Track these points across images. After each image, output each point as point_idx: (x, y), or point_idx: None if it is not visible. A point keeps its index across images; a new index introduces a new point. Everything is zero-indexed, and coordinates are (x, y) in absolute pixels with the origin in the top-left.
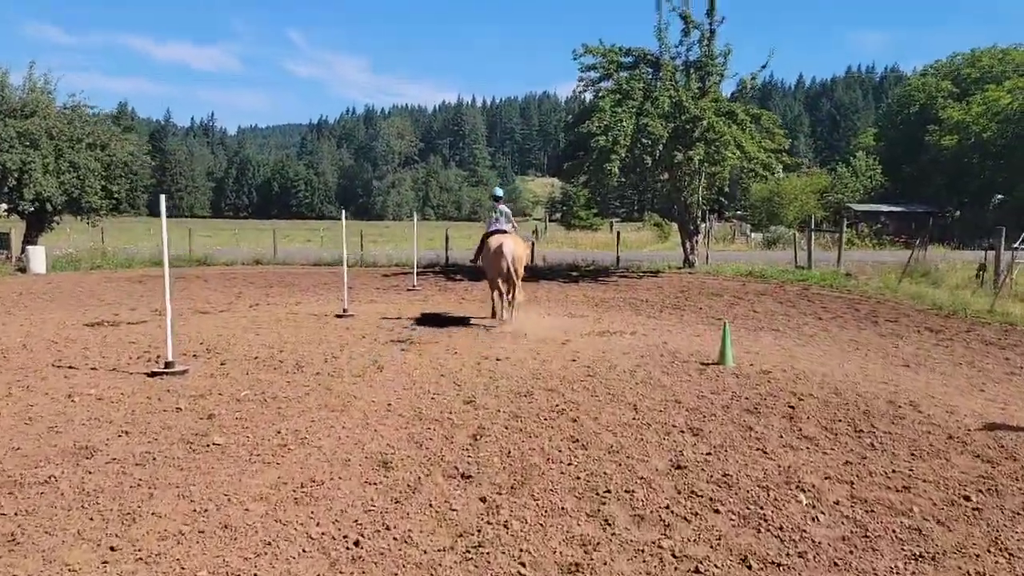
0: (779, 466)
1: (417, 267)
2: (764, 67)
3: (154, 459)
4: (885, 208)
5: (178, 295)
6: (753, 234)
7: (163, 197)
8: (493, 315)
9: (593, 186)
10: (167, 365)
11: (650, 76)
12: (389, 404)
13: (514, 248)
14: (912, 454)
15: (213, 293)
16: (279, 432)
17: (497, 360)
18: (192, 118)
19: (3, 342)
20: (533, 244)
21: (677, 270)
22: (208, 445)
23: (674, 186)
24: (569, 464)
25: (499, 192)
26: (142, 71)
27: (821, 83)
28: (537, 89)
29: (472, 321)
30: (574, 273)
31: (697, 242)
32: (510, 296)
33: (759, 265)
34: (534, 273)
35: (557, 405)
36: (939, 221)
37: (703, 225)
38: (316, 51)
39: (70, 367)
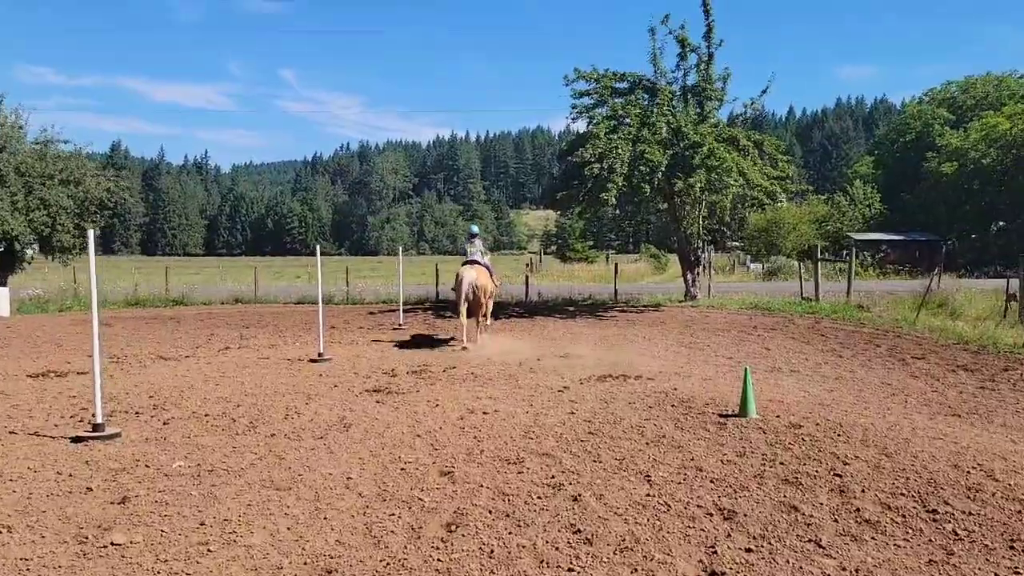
0: (844, 568)
1: (405, 304)
2: (765, 91)
3: (27, 570)
4: (886, 237)
5: (145, 339)
6: (752, 264)
7: (91, 232)
8: (464, 338)
9: (588, 216)
10: (95, 428)
11: (646, 102)
12: (349, 478)
13: (476, 277)
14: (1011, 546)
15: (183, 336)
16: (202, 524)
17: (484, 414)
18: (186, 156)
19: None
20: (527, 278)
21: (679, 303)
22: (106, 546)
23: (674, 215)
24: (570, 570)
25: (475, 229)
26: (136, 111)
27: (812, 114)
28: (531, 124)
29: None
30: (570, 308)
31: (698, 273)
32: (481, 322)
33: (764, 297)
34: (528, 309)
35: (553, 477)
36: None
37: (704, 256)
38: (309, 90)
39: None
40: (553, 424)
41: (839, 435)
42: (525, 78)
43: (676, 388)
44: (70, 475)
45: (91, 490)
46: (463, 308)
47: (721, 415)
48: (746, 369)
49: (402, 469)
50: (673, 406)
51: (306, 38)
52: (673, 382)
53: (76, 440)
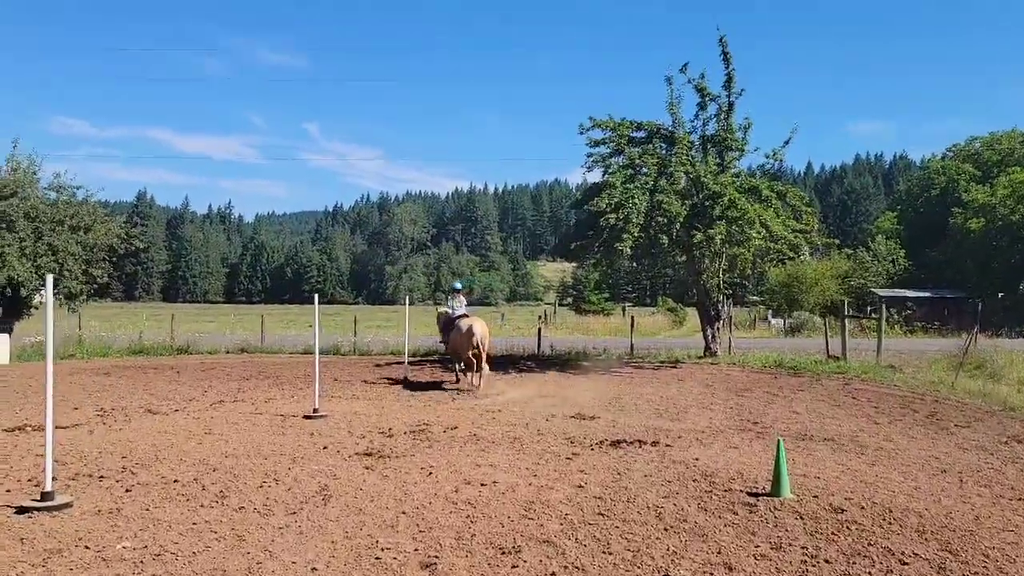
0: None
1: (414, 355)
2: (787, 143)
3: None
4: (911, 293)
5: (139, 390)
6: (774, 320)
7: (49, 278)
8: (457, 380)
9: (604, 268)
10: (43, 496)
11: (664, 151)
12: (314, 569)
13: (482, 329)
14: None
15: (179, 387)
16: None
17: (482, 486)
18: (210, 205)
19: None
20: (540, 330)
21: (698, 360)
22: None
23: (693, 268)
24: None
25: (458, 285)
26: (162, 162)
27: (831, 170)
28: (548, 176)
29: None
30: (584, 362)
31: (718, 329)
32: (479, 371)
33: (787, 354)
34: (540, 363)
35: (554, 573)
36: (976, 306)
37: (723, 310)
38: (331, 143)
39: None
40: (558, 501)
41: (890, 523)
42: (543, 131)
43: (698, 459)
44: None
45: None
46: (468, 357)
47: (751, 494)
48: (779, 442)
49: (377, 558)
50: (695, 481)
51: (328, 90)
52: (694, 450)
53: (21, 511)
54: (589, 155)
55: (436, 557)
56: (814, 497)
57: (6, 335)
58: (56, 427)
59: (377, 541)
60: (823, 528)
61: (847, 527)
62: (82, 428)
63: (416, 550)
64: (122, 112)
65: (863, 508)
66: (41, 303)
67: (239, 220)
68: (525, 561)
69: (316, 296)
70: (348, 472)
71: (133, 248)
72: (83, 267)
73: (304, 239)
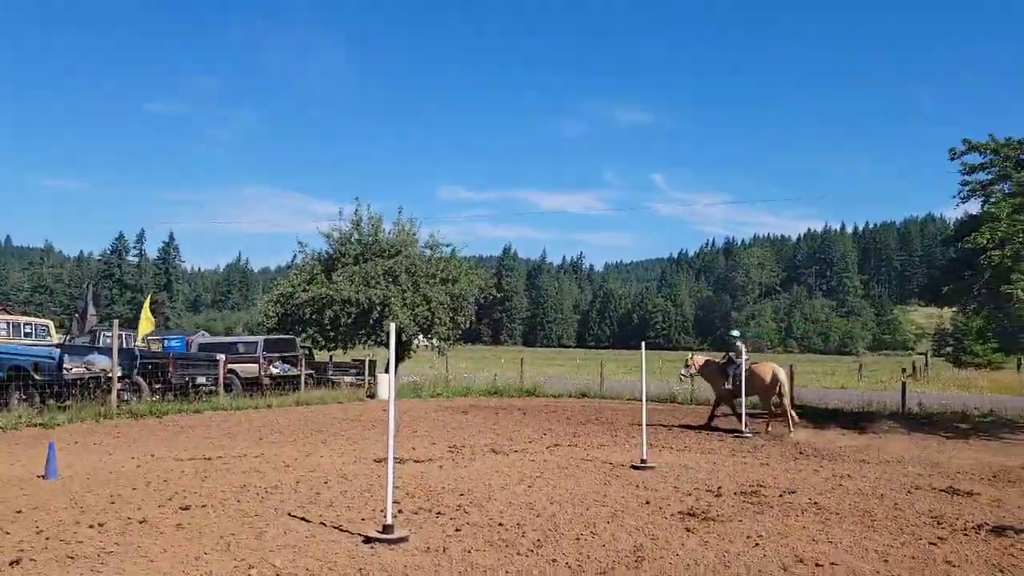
0: None
1: (753, 408)
2: None
3: None
4: None
5: (487, 429)
6: None
7: (392, 326)
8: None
9: (987, 315)
10: (384, 529)
11: None
12: None
13: (785, 377)
14: None
15: (522, 428)
16: None
17: (816, 566)
18: (564, 257)
19: (272, 477)
20: (904, 384)
21: None
22: None
23: None
24: None
25: (736, 333)
26: (526, 220)
27: None
28: (919, 212)
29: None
30: (963, 425)
31: None
32: (791, 418)
33: None
34: (903, 422)
35: None
36: None
37: None
38: (677, 191)
39: (303, 518)
40: None
41: None
42: (910, 162)
43: None
44: None
45: None
46: (773, 401)
47: None
48: None
49: None
50: None
51: (672, 141)
52: None
53: (367, 540)
54: (964, 183)
55: None
56: None
57: (387, 375)
58: (414, 460)
59: None
60: None
61: None
62: (435, 463)
63: None
64: (494, 177)
65: None
66: (418, 346)
67: (590, 269)
68: None
69: (643, 343)
70: (667, 533)
71: (493, 296)
72: (451, 315)
73: (650, 286)
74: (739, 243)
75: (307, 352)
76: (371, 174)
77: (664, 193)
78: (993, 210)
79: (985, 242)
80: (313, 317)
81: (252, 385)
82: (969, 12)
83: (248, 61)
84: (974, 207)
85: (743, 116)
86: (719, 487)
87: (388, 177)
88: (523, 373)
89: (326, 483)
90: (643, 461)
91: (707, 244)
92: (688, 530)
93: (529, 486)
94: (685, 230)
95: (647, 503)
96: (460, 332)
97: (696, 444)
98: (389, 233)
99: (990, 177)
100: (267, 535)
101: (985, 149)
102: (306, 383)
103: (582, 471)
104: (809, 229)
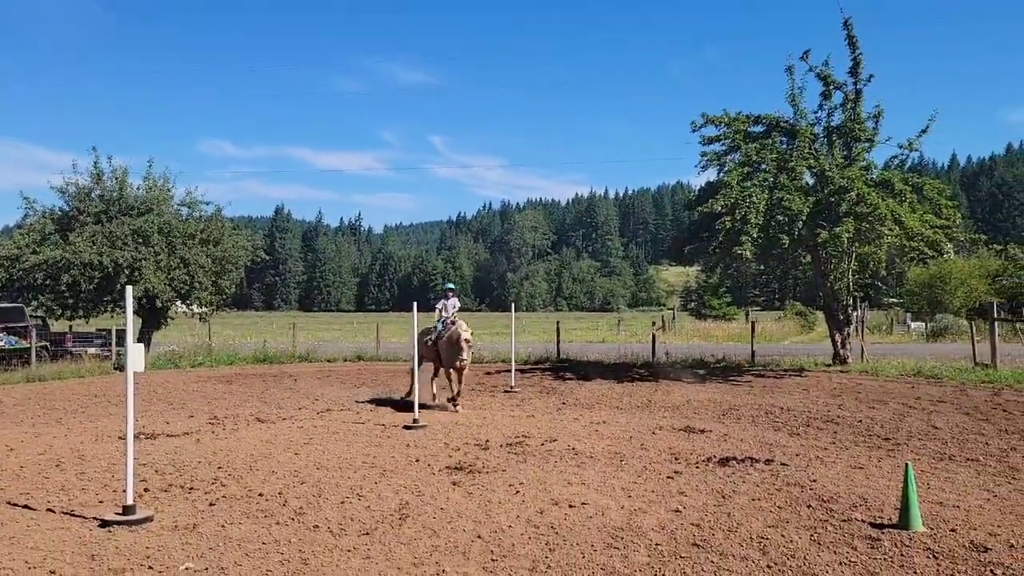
0: None
1: (524, 364)
2: (925, 131)
3: None
4: None
5: (255, 398)
6: (914, 324)
7: (129, 289)
8: (434, 398)
9: (721, 272)
10: (124, 510)
11: (784, 145)
12: None
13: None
14: None
15: (293, 395)
16: None
17: (569, 507)
18: (341, 218)
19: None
20: (654, 336)
21: (825, 368)
22: None
23: (818, 269)
24: None
25: (451, 285)
26: (300, 179)
27: (979, 161)
28: (670, 180)
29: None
30: (700, 371)
31: (848, 334)
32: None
33: (928, 362)
34: (652, 371)
35: None
36: None
37: (855, 314)
38: (455, 154)
39: (25, 506)
40: (650, 528)
41: None
42: (663, 134)
43: (816, 480)
44: None
45: None
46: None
47: (874, 524)
48: (908, 466)
49: None
50: (810, 507)
51: (453, 103)
52: (813, 470)
53: (103, 524)
54: (703, 154)
55: None
56: (951, 531)
57: (140, 345)
58: (167, 435)
59: (443, 570)
60: (961, 570)
61: (991, 570)
62: (191, 437)
63: None
64: (264, 134)
65: (1012, 547)
66: (176, 313)
67: (368, 231)
68: None
69: (415, 304)
70: (433, 488)
71: (263, 259)
72: (213, 279)
73: (429, 248)
74: (514, 206)
75: (40, 322)
76: (118, 121)
77: (443, 156)
78: (726, 178)
79: (719, 208)
80: (47, 283)
81: None
82: None
83: None
84: (712, 175)
85: (518, 77)
86: (487, 440)
87: (139, 125)
88: (296, 338)
89: (58, 466)
90: (415, 421)
91: (484, 207)
92: (454, 483)
93: (295, 453)
94: (464, 193)
95: (416, 461)
96: (226, 297)
97: (468, 403)
98: (138, 189)
99: (724, 148)
100: None
101: (720, 122)
102: (39, 356)
103: (353, 435)
104: (577, 194)
